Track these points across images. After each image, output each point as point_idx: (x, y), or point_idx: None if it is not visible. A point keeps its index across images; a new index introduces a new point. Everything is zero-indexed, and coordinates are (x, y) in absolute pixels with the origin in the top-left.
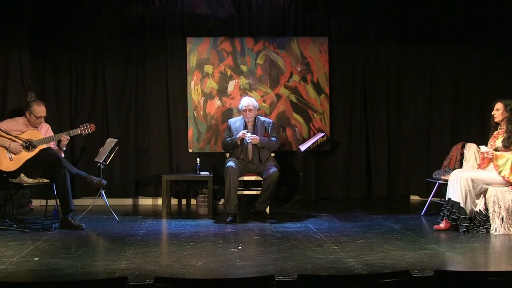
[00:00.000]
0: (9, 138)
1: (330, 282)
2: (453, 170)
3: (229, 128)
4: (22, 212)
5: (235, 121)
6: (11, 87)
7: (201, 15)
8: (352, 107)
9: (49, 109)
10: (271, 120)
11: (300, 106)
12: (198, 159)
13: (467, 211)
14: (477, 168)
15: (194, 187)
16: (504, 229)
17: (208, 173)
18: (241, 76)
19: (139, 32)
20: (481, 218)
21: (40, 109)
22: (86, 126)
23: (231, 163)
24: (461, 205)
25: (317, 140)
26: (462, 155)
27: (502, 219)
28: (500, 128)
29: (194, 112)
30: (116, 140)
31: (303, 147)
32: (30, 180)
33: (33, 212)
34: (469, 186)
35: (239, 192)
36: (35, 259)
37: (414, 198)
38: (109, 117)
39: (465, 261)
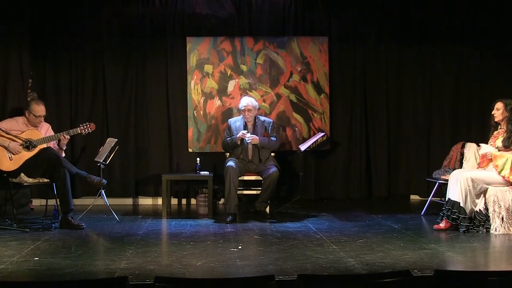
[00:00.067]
0: (8, 138)
1: (330, 282)
2: (453, 169)
3: (229, 127)
4: (22, 211)
5: (235, 121)
6: (11, 87)
7: (201, 15)
8: (352, 107)
9: (49, 109)
10: (271, 120)
11: (300, 105)
12: (198, 159)
13: (467, 211)
14: (477, 168)
15: (194, 187)
16: (504, 228)
17: (208, 172)
18: (241, 76)
19: (139, 32)
20: (481, 218)
21: (39, 108)
22: (86, 125)
23: (231, 163)
24: (461, 204)
25: (317, 140)
26: (462, 154)
27: (502, 218)
28: (500, 128)
29: (194, 111)
30: (116, 140)
31: (303, 147)
32: (30, 180)
33: (33, 211)
34: (469, 186)
35: (239, 192)
36: (35, 258)
37: (414, 197)
38: (109, 117)
39: (465, 261)
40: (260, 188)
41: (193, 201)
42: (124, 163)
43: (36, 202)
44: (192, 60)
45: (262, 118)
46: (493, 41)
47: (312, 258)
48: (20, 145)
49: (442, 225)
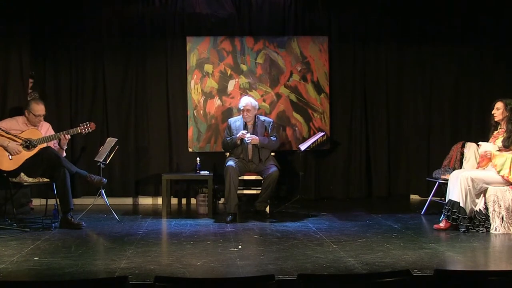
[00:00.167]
0: (8, 138)
1: (330, 282)
2: (453, 169)
3: (229, 127)
4: (22, 211)
5: (235, 121)
6: (11, 87)
7: (201, 15)
8: (352, 107)
9: (49, 109)
10: (271, 120)
11: (300, 105)
12: (198, 159)
13: (467, 211)
14: (477, 167)
15: (194, 187)
16: (504, 228)
17: (208, 172)
18: (241, 76)
19: (139, 32)
20: (481, 218)
21: (38, 108)
22: (86, 125)
23: (231, 163)
24: (461, 204)
25: (317, 140)
26: (462, 154)
27: (502, 218)
28: (500, 128)
29: (194, 111)
30: (116, 139)
31: (303, 147)
32: (30, 180)
33: (33, 211)
34: (469, 186)
35: (239, 192)
36: (35, 258)
37: (414, 197)
38: (109, 117)
39: (465, 261)
40: (260, 188)
41: (193, 200)
42: (124, 162)
43: (36, 202)
44: (192, 59)
45: (262, 117)
46: (493, 41)
47: (312, 258)
48: (20, 145)
49: (442, 224)
